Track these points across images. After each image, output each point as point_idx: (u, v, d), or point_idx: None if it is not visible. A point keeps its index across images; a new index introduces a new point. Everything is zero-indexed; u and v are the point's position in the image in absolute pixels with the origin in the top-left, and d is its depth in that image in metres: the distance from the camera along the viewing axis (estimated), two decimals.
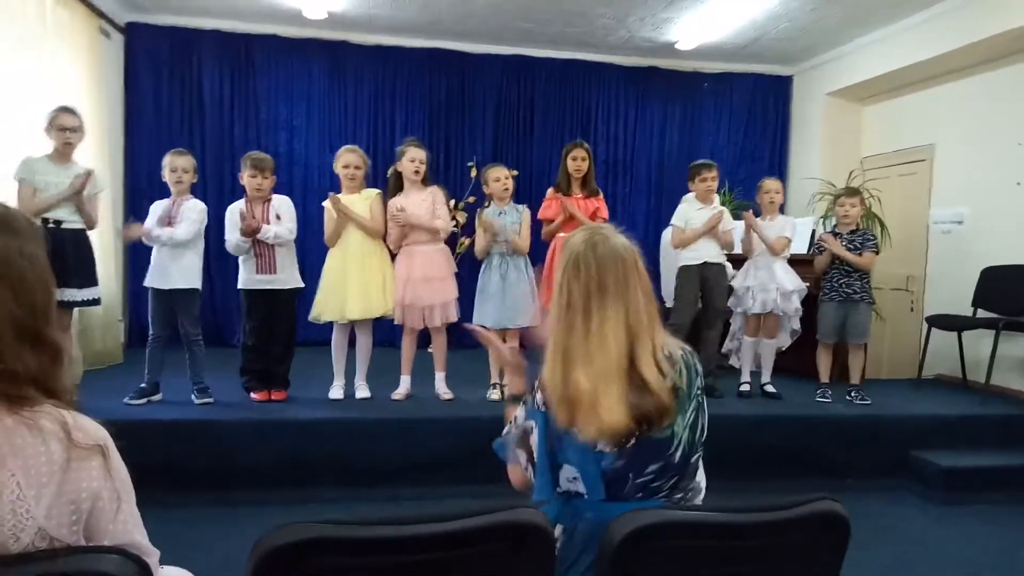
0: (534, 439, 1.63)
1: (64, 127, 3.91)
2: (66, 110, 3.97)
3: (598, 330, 1.51)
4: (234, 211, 4.19)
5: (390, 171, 4.57)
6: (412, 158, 4.35)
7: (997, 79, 5.65)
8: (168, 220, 4.11)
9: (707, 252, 4.71)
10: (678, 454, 1.57)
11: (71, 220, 3.97)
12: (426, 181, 4.43)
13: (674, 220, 4.83)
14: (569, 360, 1.52)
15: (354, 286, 4.25)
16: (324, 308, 4.31)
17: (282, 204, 4.29)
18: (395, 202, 4.38)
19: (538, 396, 1.62)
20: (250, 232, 4.08)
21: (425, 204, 4.36)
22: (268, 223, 4.16)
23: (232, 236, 4.16)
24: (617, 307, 1.53)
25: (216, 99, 6.67)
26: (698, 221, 4.72)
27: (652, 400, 1.50)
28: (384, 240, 4.41)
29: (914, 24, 5.88)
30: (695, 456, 1.62)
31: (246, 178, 4.20)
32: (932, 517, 3.94)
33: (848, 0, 5.63)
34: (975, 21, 5.30)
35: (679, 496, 1.61)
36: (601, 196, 4.74)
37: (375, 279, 4.30)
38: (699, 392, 1.62)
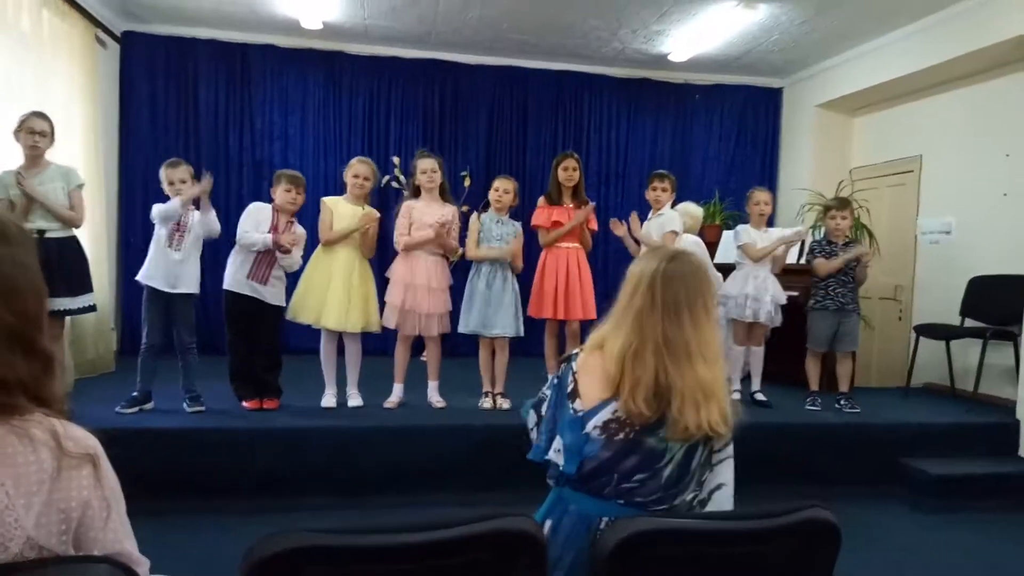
0: (545, 405, 1.78)
1: (33, 130, 3.87)
2: (37, 114, 3.94)
3: (708, 331, 1.64)
4: (263, 210, 4.24)
5: (385, 180, 4.60)
6: (424, 168, 4.42)
7: (984, 91, 5.72)
8: (178, 227, 4.10)
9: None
10: (668, 471, 1.60)
11: (52, 228, 3.94)
12: (444, 190, 4.50)
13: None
14: (675, 353, 1.60)
15: (336, 296, 4.25)
16: (301, 308, 4.29)
17: (301, 235, 4.33)
18: (412, 206, 4.41)
19: (561, 367, 1.75)
20: (280, 247, 4.14)
21: (447, 217, 4.39)
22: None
23: (258, 236, 4.14)
24: (714, 316, 1.67)
25: (211, 108, 6.69)
26: (655, 233, 4.71)
27: (717, 414, 1.63)
28: (371, 252, 4.45)
29: (903, 37, 5.94)
30: (690, 490, 1.66)
31: (280, 193, 4.23)
32: (922, 525, 3.97)
33: (838, 13, 5.69)
34: (963, 34, 5.36)
35: (662, 508, 1.63)
36: (592, 205, 4.77)
37: (357, 295, 4.30)
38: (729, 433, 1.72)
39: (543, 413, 1.78)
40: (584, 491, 1.65)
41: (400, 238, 4.39)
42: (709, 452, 1.68)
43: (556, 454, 1.68)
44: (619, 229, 4.74)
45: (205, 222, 4.18)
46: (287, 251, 4.20)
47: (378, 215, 4.49)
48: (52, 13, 5.06)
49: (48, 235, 3.91)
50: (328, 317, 4.24)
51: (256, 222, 4.20)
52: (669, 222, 4.71)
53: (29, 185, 3.85)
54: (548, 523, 1.69)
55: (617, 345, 1.64)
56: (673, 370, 1.58)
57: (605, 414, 1.62)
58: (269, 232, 4.16)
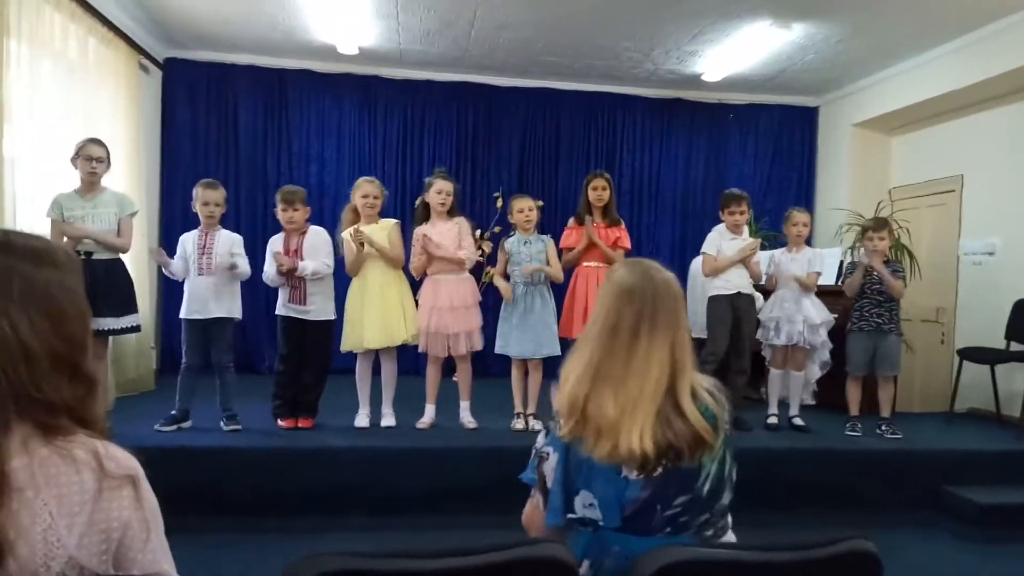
0: (549, 464, 1.64)
1: (91, 156, 4.01)
2: (93, 141, 4.08)
3: (644, 357, 1.54)
4: (273, 245, 4.31)
5: (418, 202, 4.64)
6: (439, 190, 4.42)
7: None
8: (203, 250, 4.19)
9: (739, 282, 4.70)
10: (706, 487, 1.56)
11: (100, 251, 4.06)
12: (453, 212, 4.49)
13: (706, 248, 4.81)
14: (601, 380, 1.54)
15: (373, 315, 4.30)
16: (347, 339, 4.37)
17: (318, 237, 4.35)
18: (420, 231, 4.43)
19: (560, 420, 1.62)
20: (287, 273, 4.19)
21: (451, 234, 4.41)
22: (302, 256, 4.25)
23: (270, 270, 4.25)
24: (665, 337, 1.56)
25: (250, 132, 6.84)
26: (728, 251, 4.71)
27: (687, 431, 1.52)
28: (404, 268, 4.48)
29: (941, 55, 5.86)
30: (725, 493, 1.61)
31: (279, 212, 4.30)
32: (969, 556, 3.84)
33: (874, 32, 5.64)
34: (1003, 52, 5.27)
35: (709, 533, 1.60)
36: (623, 225, 4.77)
37: (394, 308, 4.34)
38: (727, 424, 1.62)
39: (546, 472, 1.64)
40: (629, 532, 1.55)
41: (412, 267, 4.45)
42: (733, 453, 1.62)
43: (588, 509, 1.58)
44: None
45: (237, 275, 4.23)
46: (293, 268, 4.19)
47: (394, 221, 4.50)
48: (98, 41, 5.22)
49: (95, 257, 4.03)
50: (370, 338, 4.30)
51: (272, 258, 4.27)
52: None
53: (73, 229, 3.98)
54: (586, 563, 1.58)
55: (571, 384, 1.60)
56: (592, 397, 1.53)
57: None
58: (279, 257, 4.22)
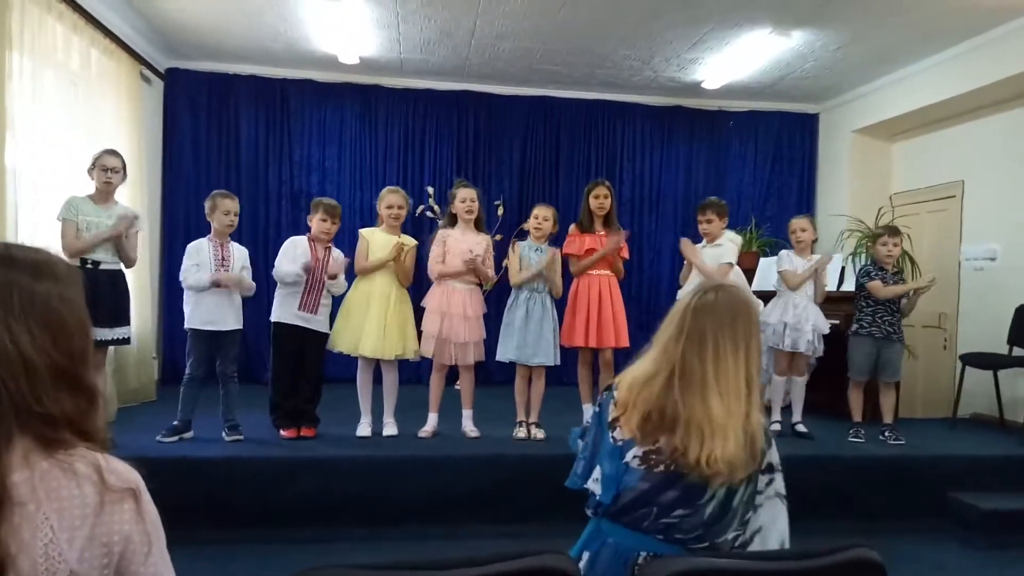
0: (589, 435, 1.77)
1: (107, 167, 4.04)
2: (110, 152, 4.13)
3: (732, 365, 1.59)
4: (298, 244, 4.35)
5: (420, 209, 4.65)
6: (463, 198, 4.47)
7: None
8: (222, 263, 4.21)
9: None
10: (711, 508, 1.56)
11: (109, 261, 4.07)
12: (480, 222, 4.55)
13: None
14: (689, 383, 1.58)
15: (373, 323, 4.30)
16: (340, 337, 4.35)
17: (339, 258, 4.42)
18: (448, 234, 4.46)
19: (603, 396, 1.73)
20: (332, 276, 4.28)
21: (480, 248, 4.44)
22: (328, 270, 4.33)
23: (291, 267, 4.25)
24: (747, 350, 1.61)
25: (251, 141, 6.86)
26: (708, 260, 4.67)
27: (750, 451, 1.57)
28: (408, 280, 4.50)
29: (940, 62, 5.87)
30: (731, 530, 1.61)
31: (316, 222, 4.33)
32: (973, 562, 3.82)
33: (873, 40, 5.65)
34: (1001, 59, 5.28)
35: (702, 546, 1.59)
36: (624, 233, 4.76)
37: (395, 323, 4.35)
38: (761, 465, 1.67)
39: (587, 441, 1.78)
40: (622, 523, 1.62)
41: (435, 266, 4.44)
42: (753, 491, 1.63)
43: (594, 483, 1.67)
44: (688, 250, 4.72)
45: (244, 288, 4.29)
46: (334, 276, 4.32)
47: (414, 242, 4.55)
48: (100, 52, 5.25)
49: (103, 267, 4.04)
50: (366, 344, 4.29)
51: (293, 258, 4.29)
52: (725, 254, 4.68)
53: (122, 228, 4.01)
54: (586, 555, 1.67)
55: (637, 371, 1.66)
56: (682, 400, 1.56)
57: (645, 444, 1.60)
58: (310, 262, 4.26)
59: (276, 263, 4.35)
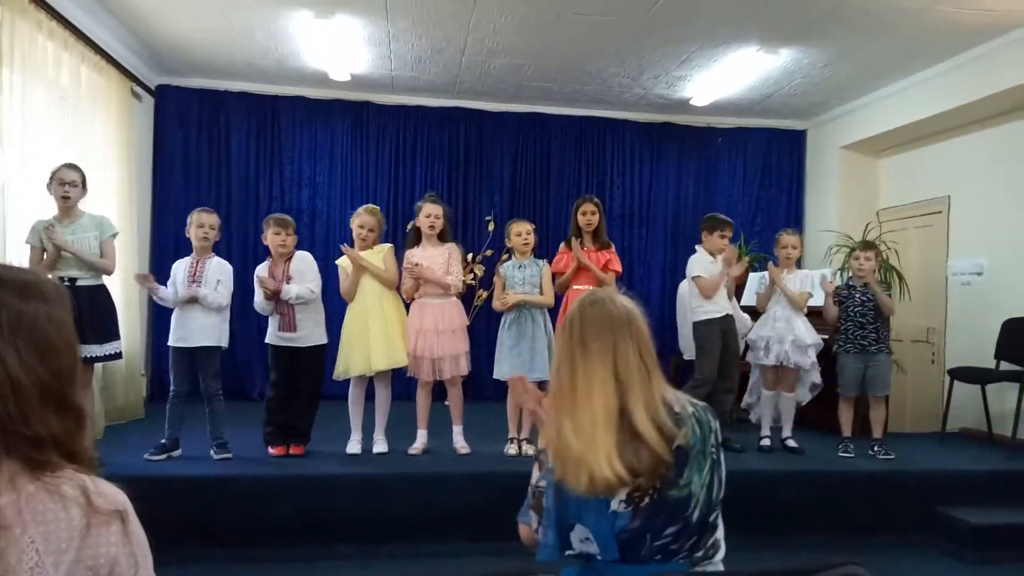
0: (547, 499, 1.63)
1: (64, 181, 3.94)
2: (68, 166, 4.03)
3: (584, 386, 1.53)
4: (260, 272, 4.32)
5: (409, 226, 4.67)
6: (428, 213, 4.46)
7: (1012, 131, 5.68)
8: (193, 278, 4.18)
9: (726, 304, 4.74)
10: (696, 514, 1.55)
11: (84, 277, 4.00)
12: (444, 236, 4.52)
13: (697, 271, 4.77)
14: (560, 415, 1.55)
15: (377, 337, 4.31)
16: (349, 363, 4.35)
17: (303, 261, 4.37)
18: (411, 254, 4.46)
19: (549, 455, 1.62)
20: (271, 296, 4.18)
21: (440, 259, 4.44)
22: (288, 281, 4.25)
23: (258, 298, 4.27)
24: (604, 361, 1.54)
25: (242, 158, 6.86)
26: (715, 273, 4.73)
27: (648, 454, 1.49)
28: (398, 290, 4.50)
29: (926, 79, 5.95)
30: (714, 515, 1.61)
31: (270, 236, 4.31)
32: None
33: (860, 57, 5.72)
34: (987, 75, 5.35)
35: (699, 555, 1.59)
36: (613, 249, 4.79)
37: (395, 328, 4.37)
38: (714, 449, 1.60)
39: (544, 505, 1.63)
40: (620, 561, 1.55)
41: (402, 290, 4.47)
42: (712, 460, 1.58)
43: (585, 544, 1.56)
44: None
45: (208, 304, 4.18)
46: (277, 290, 4.19)
47: (389, 245, 4.53)
48: (91, 69, 5.25)
49: (79, 283, 3.97)
50: (378, 359, 4.30)
51: (258, 280, 4.28)
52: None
53: (58, 237, 3.90)
54: None
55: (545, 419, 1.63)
56: (561, 434, 1.52)
57: (626, 487, 1.52)
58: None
59: (255, 299, 4.33)
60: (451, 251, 4.51)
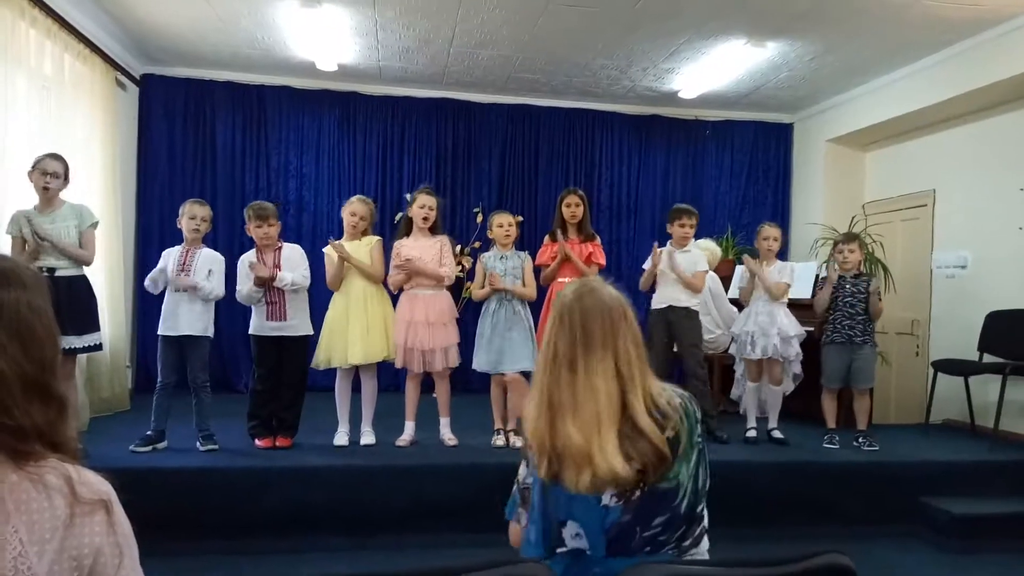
0: (533, 495, 1.63)
1: (45, 171, 3.89)
2: (50, 156, 3.97)
3: (585, 380, 1.51)
4: (244, 263, 4.27)
5: (399, 216, 4.64)
6: (422, 204, 4.45)
7: (997, 125, 5.73)
8: (182, 268, 4.16)
9: (671, 296, 4.75)
10: (684, 504, 1.56)
11: (63, 267, 3.94)
12: (436, 228, 4.51)
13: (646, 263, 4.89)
14: (556, 411, 1.52)
15: (356, 330, 4.29)
16: (329, 354, 4.34)
17: (294, 252, 4.37)
18: (402, 244, 4.45)
19: (533, 457, 1.60)
20: (264, 282, 4.15)
21: (432, 251, 4.43)
22: (280, 270, 4.22)
23: (244, 287, 4.22)
24: (605, 355, 1.53)
25: (228, 148, 6.80)
26: (682, 264, 4.76)
27: (649, 448, 1.49)
28: (384, 284, 4.48)
29: (913, 72, 5.98)
30: (700, 506, 1.61)
31: (252, 229, 4.28)
32: (945, 566, 3.87)
33: (847, 50, 5.74)
34: (973, 70, 5.39)
35: (687, 543, 1.60)
36: (597, 241, 4.80)
37: (376, 323, 4.34)
38: (700, 439, 1.61)
39: (531, 502, 1.63)
40: (609, 555, 1.55)
41: (389, 278, 4.45)
42: (698, 454, 1.59)
43: (576, 540, 1.56)
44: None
45: (202, 295, 4.19)
46: (272, 277, 4.17)
47: (377, 238, 4.51)
48: (74, 58, 5.18)
49: (59, 273, 3.90)
50: (354, 353, 4.27)
51: (245, 275, 4.24)
52: (700, 261, 4.82)
53: (38, 226, 3.86)
54: None
55: (526, 411, 1.59)
56: (554, 430, 1.50)
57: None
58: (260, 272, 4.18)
59: (237, 288, 4.29)
60: (443, 243, 4.50)
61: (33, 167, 3.93)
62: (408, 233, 4.52)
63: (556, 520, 1.57)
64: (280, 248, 4.33)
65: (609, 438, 1.48)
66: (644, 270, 4.92)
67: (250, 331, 4.33)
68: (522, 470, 1.71)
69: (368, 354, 4.30)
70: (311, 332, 4.38)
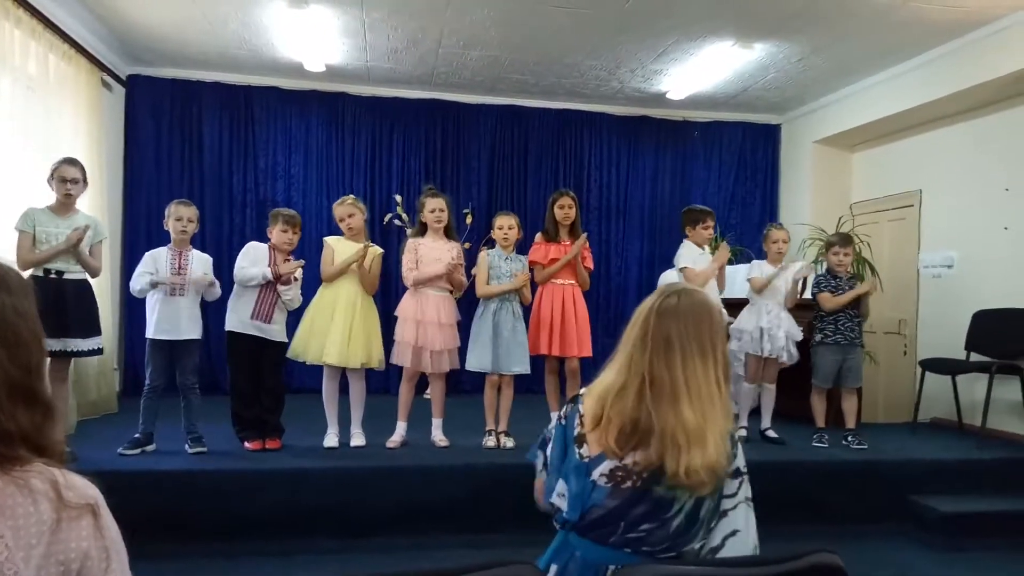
0: (550, 447, 1.73)
1: (65, 178, 3.94)
2: (69, 161, 4.01)
3: (703, 371, 1.56)
4: (259, 248, 4.29)
5: (387, 218, 4.62)
6: (432, 208, 4.46)
7: (983, 126, 5.77)
8: (178, 270, 4.15)
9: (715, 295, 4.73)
10: (676, 521, 1.55)
11: (72, 270, 3.98)
12: (449, 230, 4.54)
13: (684, 262, 4.74)
14: (662, 392, 1.54)
15: (337, 331, 4.26)
16: (305, 347, 4.29)
17: (297, 264, 4.36)
18: (419, 243, 4.45)
19: (566, 408, 1.70)
20: (280, 277, 4.18)
21: (450, 256, 4.44)
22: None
23: (256, 269, 4.18)
24: (715, 354, 1.58)
25: (215, 149, 6.77)
26: (704, 264, 4.74)
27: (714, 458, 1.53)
28: (372, 289, 4.47)
29: (899, 73, 6.02)
30: (698, 539, 1.59)
31: (277, 233, 4.28)
32: (933, 563, 3.89)
33: (834, 52, 5.78)
34: (959, 70, 5.43)
35: (671, 556, 1.59)
36: (585, 235, 4.79)
37: (359, 330, 4.31)
38: (739, 492, 1.65)
39: (548, 453, 1.73)
40: (590, 538, 1.59)
41: (408, 273, 4.41)
42: (720, 499, 1.61)
43: (560, 499, 1.65)
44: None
45: (211, 293, 4.28)
46: (287, 282, 4.22)
47: (380, 250, 4.52)
48: (59, 58, 5.14)
49: (67, 276, 3.95)
50: (330, 352, 4.24)
51: (253, 260, 4.24)
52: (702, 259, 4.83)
53: (76, 235, 3.88)
54: (554, 568, 1.64)
55: (604, 383, 1.61)
56: (655, 411, 1.52)
57: (612, 461, 1.56)
58: (275, 269, 4.21)
59: (238, 265, 4.25)
60: (459, 251, 4.54)
61: (52, 174, 3.96)
62: (423, 233, 4.52)
63: (560, 474, 1.67)
64: (290, 259, 4.33)
65: (719, 427, 1.53)
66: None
67: (227, 327, 4.27)
68: (554, 422, 1.77)
69: (343, 358, 4.26)
70: (287, 341, 4.34)
